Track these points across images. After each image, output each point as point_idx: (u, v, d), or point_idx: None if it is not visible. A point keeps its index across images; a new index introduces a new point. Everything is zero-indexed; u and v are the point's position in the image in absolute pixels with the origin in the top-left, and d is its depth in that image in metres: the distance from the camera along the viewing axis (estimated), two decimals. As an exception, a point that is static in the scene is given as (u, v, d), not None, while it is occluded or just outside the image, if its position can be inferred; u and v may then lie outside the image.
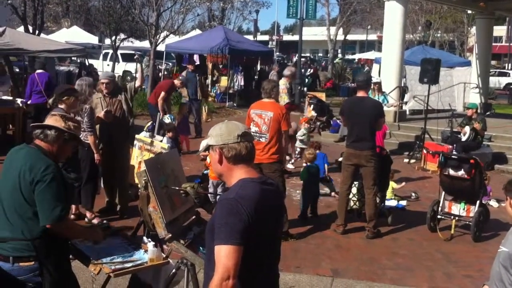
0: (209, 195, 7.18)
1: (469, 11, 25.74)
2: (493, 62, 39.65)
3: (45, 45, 14.26)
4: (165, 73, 24.67)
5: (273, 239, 2.87)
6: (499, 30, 39.35)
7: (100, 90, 7.63)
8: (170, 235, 3.57)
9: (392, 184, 9.04)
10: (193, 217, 3.98)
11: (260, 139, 6.96)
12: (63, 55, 16.69)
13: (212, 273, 2.61)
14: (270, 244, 2.83)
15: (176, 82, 12.99)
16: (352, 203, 7.93)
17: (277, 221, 2.91)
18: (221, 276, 2.55)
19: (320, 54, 61.22)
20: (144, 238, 4.24)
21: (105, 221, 6.79)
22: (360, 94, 7.68)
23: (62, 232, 3.52)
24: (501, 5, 20.18)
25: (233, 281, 2.56)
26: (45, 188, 3.39)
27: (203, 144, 3.04)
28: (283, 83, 10.05)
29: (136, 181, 3.84)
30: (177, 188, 3.71)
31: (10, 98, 11.98)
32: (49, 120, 3.66)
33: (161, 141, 5.49)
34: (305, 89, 23.96)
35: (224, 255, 2.57)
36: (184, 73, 15.04)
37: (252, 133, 6.95)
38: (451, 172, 7.72)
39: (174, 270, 3.84)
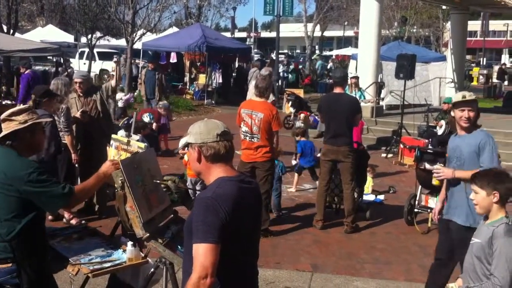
0: (189, 191, 7.25)
1: (444, 7, 25.99)
2: (468, 57, 40.21)
3: (20, 44, 14.11)
4: (142, 71, 24.50)
5: (251, 237, 2.88)
6: (474, 25, 39.79)
7: (75, 90, 7.58)
8: (148, 234, 3.57)
9: (370, 181, 9.12)
10: (171, 216, 3.99)
11: (252, 139, 6.96)
12: (38, 55, 16.52)
13: (191, 270, 2.63)
14: (248, 241, 2.85)
15: None
16: (330, 198, 8.00)
17: (255, 219, 2.92)
18: (199, 275, 2.57)
19: (298, 51, 61.36)
20: (122, 238, 4.24)
21: (83, 221, 6.76)
22: (337, 90, 7.74)
23: (81, 200, 3.67)
24: (476, 0, 20.45)
25: (210, 279, 2.58)
26: (38, 185, 3.39)
27: (182, 141, 3.05)
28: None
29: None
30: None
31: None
32: (3, 127, 3.59)
33: (137, 140, 5.48)
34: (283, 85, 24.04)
35: (202, 253, 2.59)
36: (143, 71, 14.66)
37: (243, 133, 7.03)
38: (427, 166, 7.80)
39: (152, 269, 3.84)
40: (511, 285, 3.39)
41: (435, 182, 5.16)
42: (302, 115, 12.21)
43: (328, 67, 32.49)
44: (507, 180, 3.57)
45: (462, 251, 4.61)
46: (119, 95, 11.49)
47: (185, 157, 8.77)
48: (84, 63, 25.53)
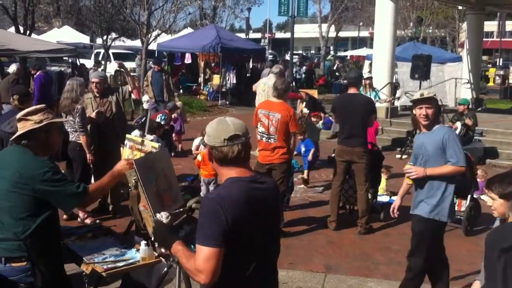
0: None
1: (460, 7, 25.80)
2: (484, 58, 39.85)
3: (36, 45, 14.24)
4: (148, 73, 24.62)
5: (266, 237, 2.82)
6: (490, 26, 39.46)
7: (91, 90, 7.63)
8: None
9: (384, 182, 9.05)
10: (184, 215, 3.99)
11: (269, 140, 6.93)
12: (54, 55, 16.64)
13: None
14: (261, 242, 2.79)
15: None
16: (344, 199, 7.98)
17: (270, 219, 2.87)
18: (197, 271, 2.61)
19: (313, 51, 61.24)
20: (136, 237, 4.25)
21: (97, 221, 6.80)
22: (352, 91, 7.71)
23: (95, 199, 3.77)
24: (492, 0, 20.27)
25: (207, 280, 2.59)
26: (53, 185, 3.43)
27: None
28: (271, 81, 10.08)
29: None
30: (180, 210, 3.72)
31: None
32: (19, 127, 3.64)
33: (152, 140, 5.50)
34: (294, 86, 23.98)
35: (202, 256, 2.59)
36: (149, 73, 14.32)
37: (259, 134, 7.02)
38: (442, 167, 7.75)
39: (166, 269, 3.84)
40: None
41: (408, 181, 5.30)
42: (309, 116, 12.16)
43: (334, 67, 32.26)
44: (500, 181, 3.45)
45: (419, 243, 5.08)
46: (145, 97, 11.44)
47: (198, 157, 8.79)
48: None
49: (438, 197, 5.00)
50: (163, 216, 3.02)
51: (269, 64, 20.31)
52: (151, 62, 19.67)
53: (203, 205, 2.68)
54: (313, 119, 11.74)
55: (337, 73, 31.36)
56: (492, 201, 3.55)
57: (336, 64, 32.99)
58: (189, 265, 2.68)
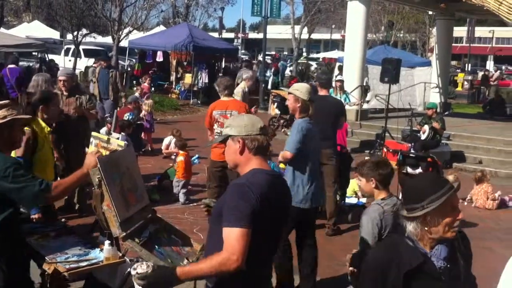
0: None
1: (431, 12, 26.17)
2: (453, 63, 40.52)
3: (5, 39, 14.01)
4: (128, 69, 24.40)
5: (275, 230, 2.94)
6: (460, 31, 40.15)
7: (59, 88, 7.50)
8: (125, 233, 3.54)
9: (353, 184, 9.09)
10: (149, 215, 3.95)
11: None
12: (22, 50, 16.37)
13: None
14: (271, 233, 2.91)
15: None
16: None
17: (282, 213, 2.99)
18: (229, 255, 2.63)
19: (285, 53, 61.47)
20: (101, 237, 4.20)
21: (63, 219, 6.68)
22: (322, 92, 7.74)
23: (59, 197, 3.60)
24: (462, 6, 20.58)
25: (239, 263, 2.63)
26: (14, 181, 3.35)
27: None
28: (241, 87, 9.96)
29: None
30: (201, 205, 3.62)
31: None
32: None
33: (117, 138, 5.43)
34: (269, 87, 24.01)
35: (234, 237, 2.64)
36: (97, 69, 13.71)
37: (217, 134, 6.97)
38: (409, 170, 7.86)
39: (129, 269, 3.80)
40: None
41: (281, 166, 5.71)
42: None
43: (288, 71, 31.89)
44: (380, 168, 3.97)
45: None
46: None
47: (178, 159, 8.71)
48: (70, 60, 25.33)
49: (289, 183, 5.19)
50: (143, 267, 2.77)
51: (245, 65, 20.27)
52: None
53: (233, 190, 2.79)
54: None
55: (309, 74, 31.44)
56: (359, 181, 4.11)
57: (289, 68, 32.45)
58: (212, 263, 2.68)
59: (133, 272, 2.78)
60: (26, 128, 4.66)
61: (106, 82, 13.19)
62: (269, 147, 3.01)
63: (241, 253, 2.63)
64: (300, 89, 5.54)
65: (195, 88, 21.66)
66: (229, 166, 3.08)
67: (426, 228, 2.59)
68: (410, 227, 2.62)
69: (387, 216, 3.93)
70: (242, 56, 36.73)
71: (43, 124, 5.27)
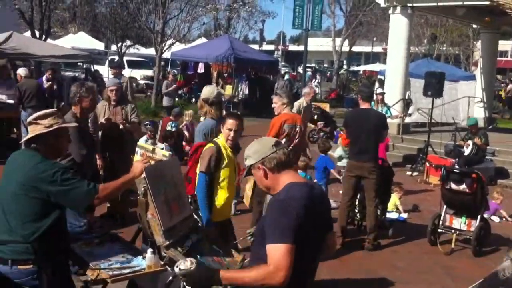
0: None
1: (475, 26, 25.73)
2: (498, 77, 39.64)
3: (51, 50, 14.37)
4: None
5: (319, 234, 2.94)
6: (505, 45, 39.33)
7: (107, 99, 7.65)
8: (168, 242, 3.57)
9: (394, 199, 8.97)
10: (191, 225, 3.98)
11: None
12: (68, 61, 16.77)
13: None
14: (316, 239, 2.91)
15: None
16: (352, 214, 7.92)
17: (324, 225, 2.99)
18: (274, 270, 2.64)
19: (326, 65, 61.30)
20: (143, 244, 4.24)
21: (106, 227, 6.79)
22: (364, 105, 7.67)
23: (105, 199, 3.64)
24: (507, 20, 20.17)
25: (283, 279, 2.63)
26: (62, 184, 3.42)
27: (245, 173, 3.13)
28: (299, 102, 10.07)
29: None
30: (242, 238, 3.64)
31: (14, 102, 12.01)
32: (29, 130, 3.65)
33: (162, 148, 5.52)
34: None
35: (279, 253, 2.66)
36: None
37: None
38: (453, 186, 7.70)
39: (171, 278, 3.83)
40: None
41: None
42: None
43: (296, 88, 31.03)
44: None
45: None
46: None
47: None
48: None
49: None
50: (186, 263, 2.85)
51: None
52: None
53: (273, 207, 2.81)
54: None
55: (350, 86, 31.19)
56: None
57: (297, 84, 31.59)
58: (257, 274, 2.71)
59: (176, 270, 2.85)
60: (211, 144, 4.86)
61: None
62: (293, 158, 3.02)
63: (286, 269, 2.64)
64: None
65: (235, 100, 21.77)
66: (265, 191, 3.10)
67: None
68: None
69: None
70: (282, 68, 36.73)
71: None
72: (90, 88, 6.10)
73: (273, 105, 7.62)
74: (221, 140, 4.88)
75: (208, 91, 5.88)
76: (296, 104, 9.53)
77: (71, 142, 4.72)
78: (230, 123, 4.89)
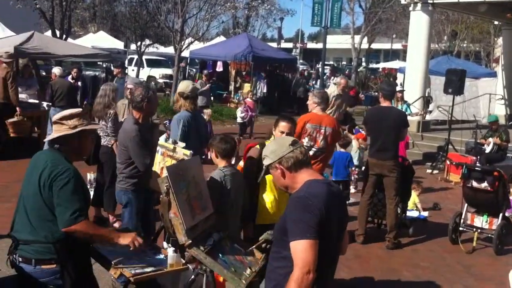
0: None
1: (496, 22, 25.40)
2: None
3: (72, 49, 14.48)
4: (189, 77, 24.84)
5: (339, 228, 2.97)
6: (527, 41, 38.69)
7: (127, 97, 7.70)
8: (190, 241, 3.59)
9: (414, 197, 8.90)
10: (213, 223, 4.00)
11: (316, 153, 6.80)
12: (89, 60, 16.91)
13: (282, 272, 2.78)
14: (336, 233, 2.93)
15: None
16: (372, 213, 7.89)
17: (340, 222, 3.00)
18: (302, 270, 2.66)
19: (344, 63, 60.99)
20: (164, 243, 4.27)
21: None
22: (385, 103, 7.63)
23: (79, 235, 3.45)
24: (529, 16, 19.92)
25: (313, 275, 2.68)
26: (59, 192, 3.41)
27: (262, 173, 3.22)
28: (331, 90, 9.90)
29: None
30: (255, 245, 3.64)
31: (37, 101, 12.17)
32: (53, 130, 3.66)
33: (183, 147, 5.54)
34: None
35: (303, 249, 2.69)
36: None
37: (306, 147, 6.91)
38: (474, 184, 7.63)
39: (193, 276, 3.86)
40: None
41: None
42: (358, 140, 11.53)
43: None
44: (221, 143, 4.53)
45: None
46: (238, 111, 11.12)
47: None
48: (133, 70, 26.04)
49: None
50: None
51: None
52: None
53: (293, 204, 2.82)
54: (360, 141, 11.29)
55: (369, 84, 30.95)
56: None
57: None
58: (294, 285, 2.70)
59: None
60: (259, 145, 4.90)
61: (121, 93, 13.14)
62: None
63: (312, 264, 2.67)
64: None
65: (253, 98, 21.75)
66: (283, 190, 3.13)
67: None
68: None
69: (227, 179, 4.36)
70: (300, 66, 36.65)
71: None
72: (155, 91, 6.20)
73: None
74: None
75: (184, 85, 6.02)
76: (328, 91, 9.38)
77: (133, 151, 4.80)
78: (282, 126, 4.90)
